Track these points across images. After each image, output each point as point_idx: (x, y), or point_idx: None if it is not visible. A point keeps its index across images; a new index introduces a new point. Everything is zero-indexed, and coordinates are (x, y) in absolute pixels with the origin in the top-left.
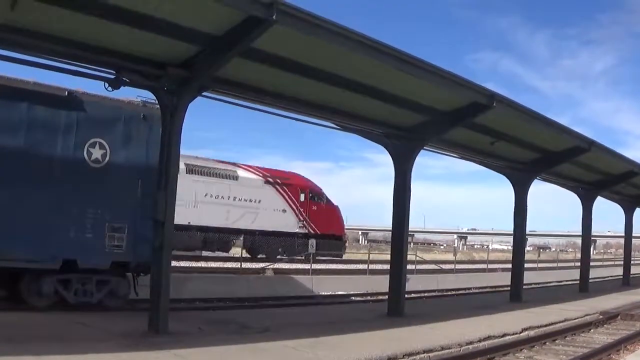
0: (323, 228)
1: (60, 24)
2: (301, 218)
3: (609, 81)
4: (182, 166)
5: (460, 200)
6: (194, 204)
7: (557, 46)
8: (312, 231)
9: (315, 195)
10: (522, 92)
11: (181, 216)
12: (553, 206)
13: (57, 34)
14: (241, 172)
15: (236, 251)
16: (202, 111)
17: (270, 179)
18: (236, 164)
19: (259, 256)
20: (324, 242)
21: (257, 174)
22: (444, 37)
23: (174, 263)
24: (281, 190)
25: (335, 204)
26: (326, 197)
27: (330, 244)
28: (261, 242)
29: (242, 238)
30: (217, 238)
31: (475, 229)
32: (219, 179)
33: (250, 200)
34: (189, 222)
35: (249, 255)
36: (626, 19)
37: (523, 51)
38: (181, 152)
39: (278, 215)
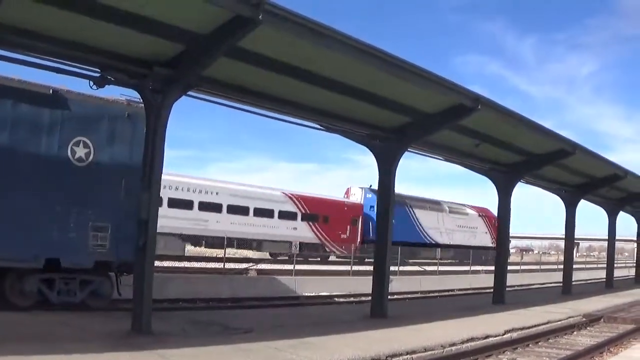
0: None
1: (45, 21)
2: (493, 237)
3: (595, 85)
4: (447, 208)
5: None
6: (452, 231)
7: (545, 50)
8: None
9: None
10: (508, 95)
11: (447, 239)
12: (536, 208)
13: (42, 31)
14: (468, 210)
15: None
16: (187, 110)
17: (481, 213)
18: (464, 204)
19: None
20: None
21: (475, 211)
22: (433, 40)
23: (157, 263)
24: (485, 220)
25: None
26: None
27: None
28: (476, 253)
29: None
30: (459, 252)
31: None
32: (461, 215)
33: (473, 227)
34: (449, 242)
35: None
36: (614, 24)
37: (511, 54)
38: (435, 197)
39: (484, 236)
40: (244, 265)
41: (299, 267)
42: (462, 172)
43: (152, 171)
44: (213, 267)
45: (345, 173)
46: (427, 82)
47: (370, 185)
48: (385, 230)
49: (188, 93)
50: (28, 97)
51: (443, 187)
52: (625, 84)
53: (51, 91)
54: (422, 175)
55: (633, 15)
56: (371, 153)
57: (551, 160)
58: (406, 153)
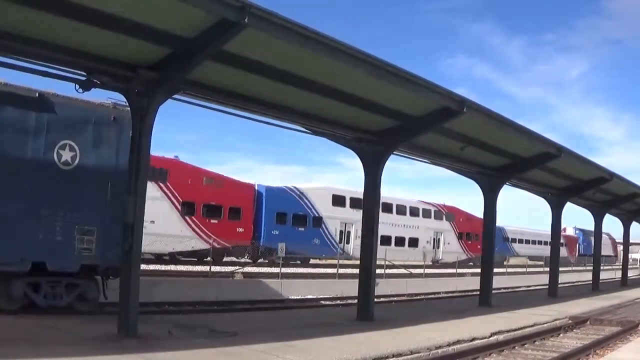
0: (616, 253)
1: (30, 24)
2: (614, 250)
3: (583, 87)
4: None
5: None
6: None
7: (533, 52)
8: (614, 255)
9: (615, 242)
10: (496, 98)
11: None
12: (521, 210)
13: (27, 34)
14: (606, 236)
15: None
16: (174, 113)
17: (606, 235)
18: (609, 233)
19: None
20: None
21: (609, 238)
22: (420, 42)
23: (143, 266)
24: (610, 241)
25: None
26: (616, 241)
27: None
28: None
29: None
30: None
31: None
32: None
33: (604, 244)
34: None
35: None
36: (604, 26)
37: (498, 56)
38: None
39: (608, 249)
40: (230, 269)
41: (285, 270)
42: (449, 175)
43: (138, 174)
44: (199, 270)
45: (333, 175)
46: (412, 85)
47: (576, 225)
48: (371, 232)
49: (174, 96)
50: (14, 100)
51: (431, 189)
52: (614, 86)
53: (37, 94)
54: (411, 177)
55: (621, 17)
56: (357, 156)
57: (537, 163)
58: (393, 156)
